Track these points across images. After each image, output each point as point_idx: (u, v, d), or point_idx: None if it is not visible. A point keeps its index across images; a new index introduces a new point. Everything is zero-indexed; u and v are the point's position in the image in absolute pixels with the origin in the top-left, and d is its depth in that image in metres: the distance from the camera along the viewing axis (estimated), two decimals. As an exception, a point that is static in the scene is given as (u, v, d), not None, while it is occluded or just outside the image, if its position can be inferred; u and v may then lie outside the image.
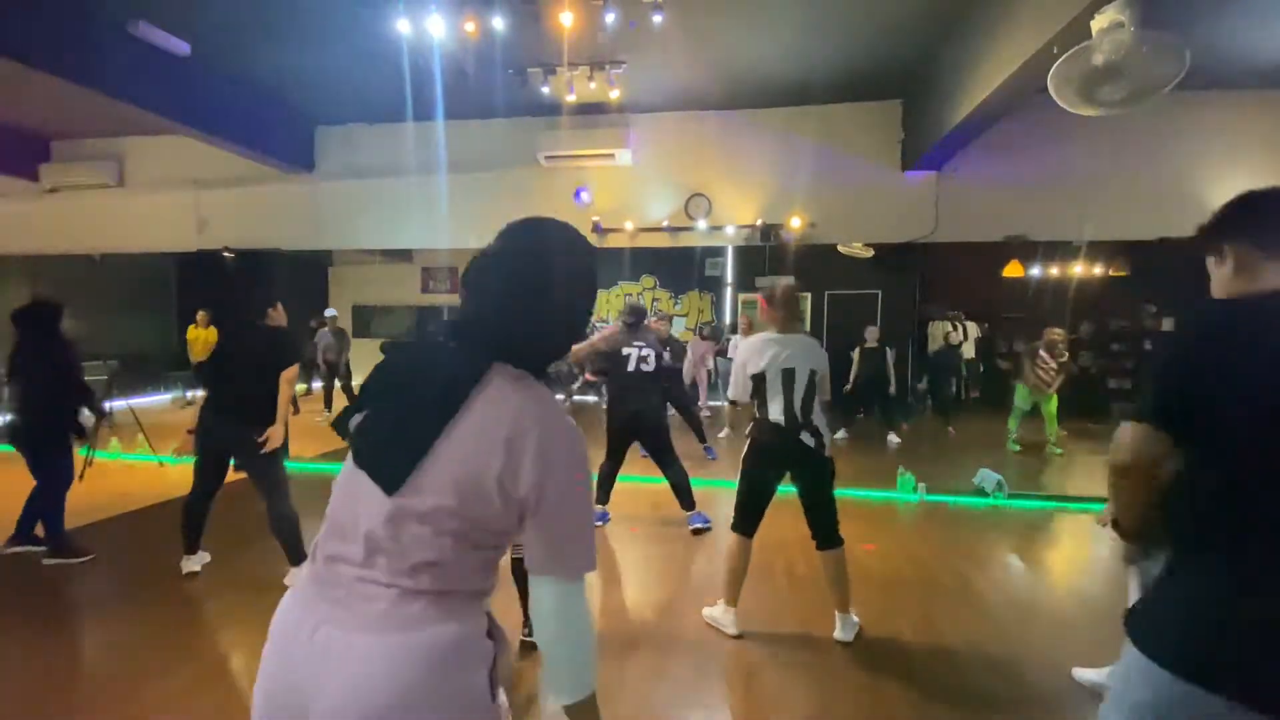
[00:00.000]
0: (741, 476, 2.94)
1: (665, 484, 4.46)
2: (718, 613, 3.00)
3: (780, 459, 2.87)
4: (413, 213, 7.67)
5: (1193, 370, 1.07)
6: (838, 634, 2.88)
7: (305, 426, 7.49)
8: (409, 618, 0.90)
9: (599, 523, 4.65)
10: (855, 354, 7.63)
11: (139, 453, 6.16)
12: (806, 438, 2.78)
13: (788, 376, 2.79)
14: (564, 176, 7.47)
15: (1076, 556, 4.30)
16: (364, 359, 9.06)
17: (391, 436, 0.95)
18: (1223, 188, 6.39)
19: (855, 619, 2.96)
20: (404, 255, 12.45)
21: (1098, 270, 9.72)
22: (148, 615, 3.09)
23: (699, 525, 4.36)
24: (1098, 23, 3.34)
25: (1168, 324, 8.98)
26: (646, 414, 4.32)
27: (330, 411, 8.53)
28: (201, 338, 9.07)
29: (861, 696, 2.50)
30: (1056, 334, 6.75)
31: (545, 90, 6.22)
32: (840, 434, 7.48)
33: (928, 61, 5.83)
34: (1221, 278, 1.21)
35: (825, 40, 5.60)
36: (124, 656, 2.76)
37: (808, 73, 6.20)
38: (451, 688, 0.90)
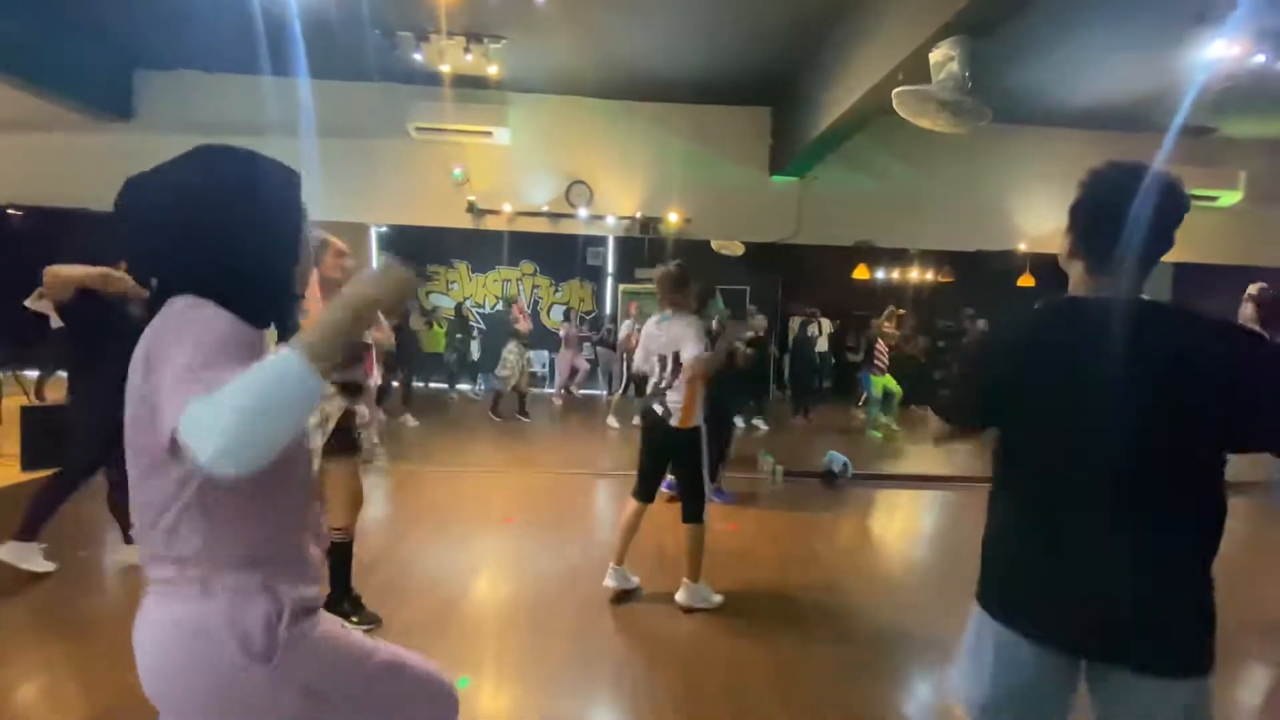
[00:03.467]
0: None
1: (539, 479, 4.49)
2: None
3: (645, 425, 3.20)
4: None
5: (976, 379, 1.34)
6: (678, 596, 3.17)
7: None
8: (156, 592, 0.98)
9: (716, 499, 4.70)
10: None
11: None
12: (657, 406, 3.11)
13: (658, 356, 3.14)
14: (437, 151, 7.09)
15: (910, 528, 4.90)
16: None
17: None
18: (1028, 212, 7.52)
19: (711, 594, 3.18)
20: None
21: (929, 276, 11.05)
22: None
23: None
24: (934, 56, 3.78)
25: (983, 324, 10.43)
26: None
27: None
28: None
29: (721, 664, 2.67)
30: (883, 324, 7.81)
31: (418, 57, 5.86)
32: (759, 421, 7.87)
33: (795, 74, 6.25)
34: (1060, 254, 1.27)
35: (702, 42, 5.80)
36: None
37: (685, 71, 6.39)
38: (194, 660, 0.95)
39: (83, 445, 3.08)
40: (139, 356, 0.92)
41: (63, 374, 3.12)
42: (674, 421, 3.05)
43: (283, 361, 0.79)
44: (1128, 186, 1.12)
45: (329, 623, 1.09)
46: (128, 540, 3.25)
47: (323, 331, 0.85)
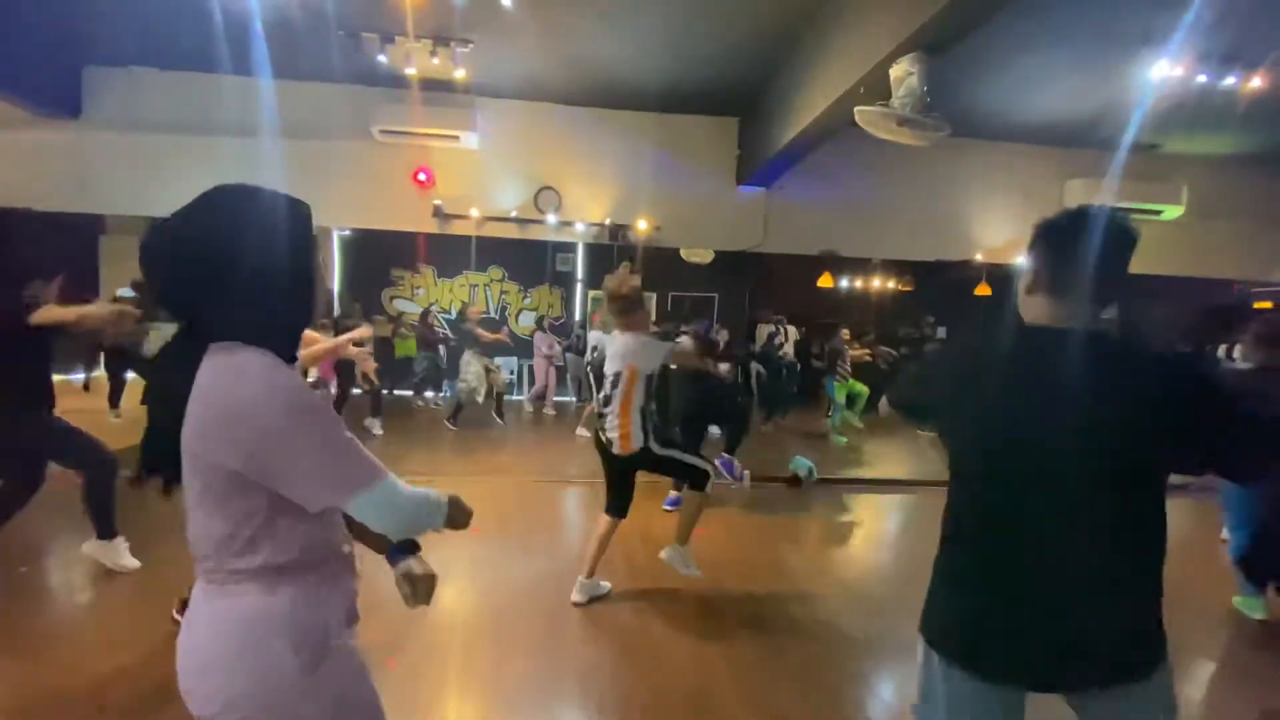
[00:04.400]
0: None
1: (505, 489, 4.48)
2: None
3: (598, 449, 3.22)
4: (213, 179, 6.43)
5: (930, 387, 1.36)
6: (662, 552, 3.35)
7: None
8: (216, 588, 1.03)
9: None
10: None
11: None
12: (601, 432, 3.15)
13: (601, 374, 3.20)
14: (402, 154, 6.99)
15: (874, 531, 4.98)
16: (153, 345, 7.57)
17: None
18: (984, 223, 7.77)
19: (692, 563, 3.32)
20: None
21: (890, 284, 11.33)
22: None
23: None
24: (894, 71, 3.89)
25: (942, 332, 10.71)
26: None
27: (117, 409, 6.96)
28: None
29: (688, 670, 2.67)
30: (846, 334, 8.05)
31: (382, 59, 5.77)
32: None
33: (761, 86, 6.35)
34: (1020, 291, 1.28)
35: (671, 51, 5.85)
36: None
37: (653, 80, 6.43)
38: (246, 656, 1.00)
39: (13, 470, 2.94)
40: (208, 409, 0.98)
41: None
42: (615, 450, 3.10)
43: (443, 502, 1.15)
44: (1084, 227, 1.18)
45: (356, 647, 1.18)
46: (103, 536, 3.15)
47: (458, 508, 1.19)
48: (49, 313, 2.70)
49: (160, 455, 1.07)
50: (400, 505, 1.06)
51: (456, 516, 1.20)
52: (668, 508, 4.75)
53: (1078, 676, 1.14)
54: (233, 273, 0.99)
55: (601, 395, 3.16)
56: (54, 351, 3.01)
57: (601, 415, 3.14)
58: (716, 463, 5.16)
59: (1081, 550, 1.12)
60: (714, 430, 5.88)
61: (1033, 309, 1.25)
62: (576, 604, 3.13)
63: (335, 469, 1.00)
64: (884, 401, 1.52)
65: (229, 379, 0.98)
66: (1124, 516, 1.13)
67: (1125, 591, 1.13)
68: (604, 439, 3.13)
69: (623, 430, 3.05)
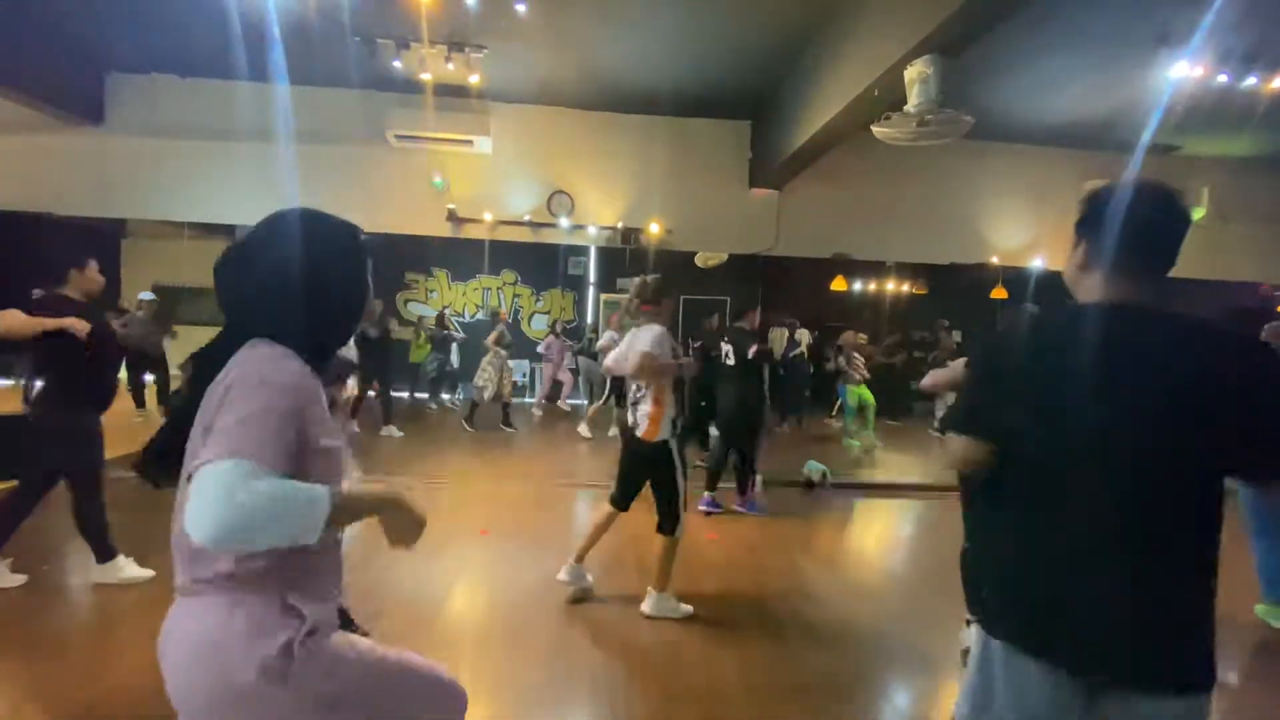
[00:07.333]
0: None
1: (516, 491, 4.47)
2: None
3: (622, 436, 3.30)
4: (232, 184, 6.76)
5: (980, 384, 1.28)
6: (643, 605, 3.13)
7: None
8: (183, 600, 1.05)
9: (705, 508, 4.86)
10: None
11: None
12: (629, 415, 3.18)
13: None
14: (416, 158, 7.06)
15: (887, 537, 4.93)
16: (176, 349, 7.72)
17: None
18: (996, 225, 7.69)
19: (678, 604, 3.14)
20: (221, 231, 10.89)
21: (904, 288, 11.23)
22: None
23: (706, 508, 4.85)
24: (909, 73, 3.86)
25: (956, 335, 10.60)
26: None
27: (144, 410, 7.22)
28: None
29: (698, 675, 2.66)
30: (860, 336, 7.98)
31: (397, 65, 5.83)
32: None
33: (774, 89, 6.34)
34: (1070, 268, 1.23)
35: (683, 56, 5.86)
36: None
37: (666, 84, 6.45)
38: (213, 675, 1.00)
39: (42, 456, 2.99)
40: (223, 386, 1.00)
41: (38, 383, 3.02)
42: (639, 432, 3.09)
43: (319, 500, 0.94)
44: (1145, 199, 1.13)
45: (339, 633, 1.14)
46: (100, 559, 3.13)
47: (357, 509, 1.06)
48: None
49: (161, 449, 1.09)
50: (237, 500, 0.87)
51: (397, 524, 1.10)
52: (702, 508, 4.81)
53: (1117, 665, 1.09)
54: (296, 289, 1.08)
55: (634, 388, 3.16)
56: (107, 355, 3.06)
57: (634, 404, 3.14)
58: (737, 507, 4.95)
59: (1138, 538, 1.07)
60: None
61: (1089, 287, 1.18)
62: (561, 582, 3.21)
63: (235, 428, 0.94)
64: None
65: (241, 361, 1.05)
66: (1183, 509, 1.08)
67: (1175, 590, 1.08)
68: (630, 424, 3.14)
69: (653, 415, 3.05)
